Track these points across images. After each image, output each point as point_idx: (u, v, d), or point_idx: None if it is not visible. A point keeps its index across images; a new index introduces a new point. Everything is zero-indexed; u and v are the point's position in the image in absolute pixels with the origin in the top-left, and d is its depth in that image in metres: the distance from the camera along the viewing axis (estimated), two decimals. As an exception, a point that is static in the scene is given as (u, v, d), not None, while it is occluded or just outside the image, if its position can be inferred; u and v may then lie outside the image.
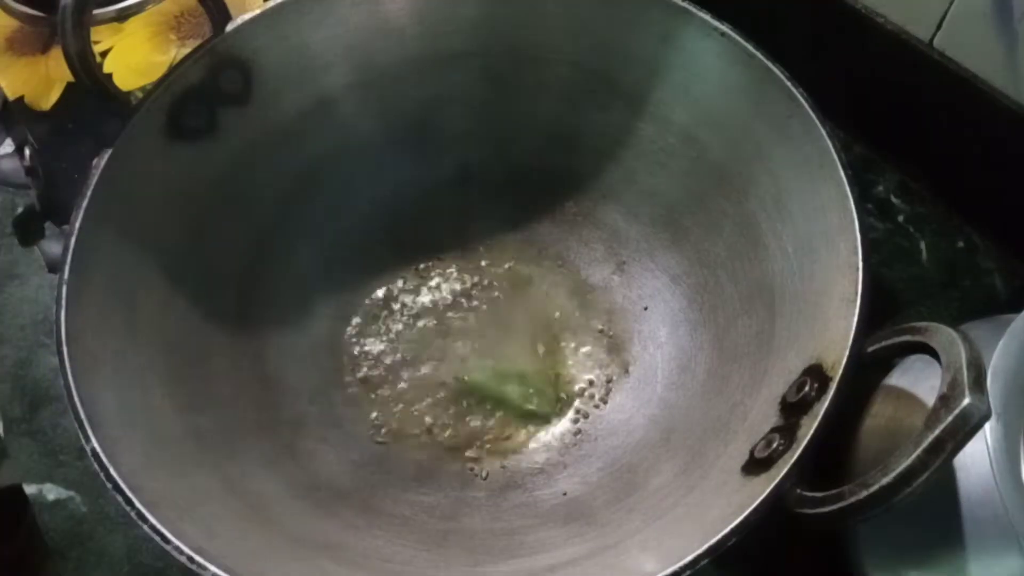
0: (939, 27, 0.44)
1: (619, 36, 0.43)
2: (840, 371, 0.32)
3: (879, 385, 0.37)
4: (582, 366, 0.45)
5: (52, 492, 0.44)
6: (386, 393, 0.44)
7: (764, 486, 0.30)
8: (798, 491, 0.30)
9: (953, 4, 0.42)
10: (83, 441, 0.33)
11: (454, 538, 0.39)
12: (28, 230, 0.49)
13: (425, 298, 0.47)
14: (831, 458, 0.36)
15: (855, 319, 0.33)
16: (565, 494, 0.41)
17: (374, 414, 0.44)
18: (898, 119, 0.50)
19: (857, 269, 0.34)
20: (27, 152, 0.49)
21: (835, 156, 0.36)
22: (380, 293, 0.47)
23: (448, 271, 0.48)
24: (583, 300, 0.47)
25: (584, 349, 0.45)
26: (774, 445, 0.32)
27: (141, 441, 0.35)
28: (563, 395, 0.44)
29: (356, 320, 0.47)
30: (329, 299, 0.47)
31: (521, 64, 0.45)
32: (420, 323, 0.46)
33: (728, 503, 0.32)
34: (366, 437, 0.43)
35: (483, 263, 0.48)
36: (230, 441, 0.39)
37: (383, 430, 0.44)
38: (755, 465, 0.33)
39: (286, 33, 0.43)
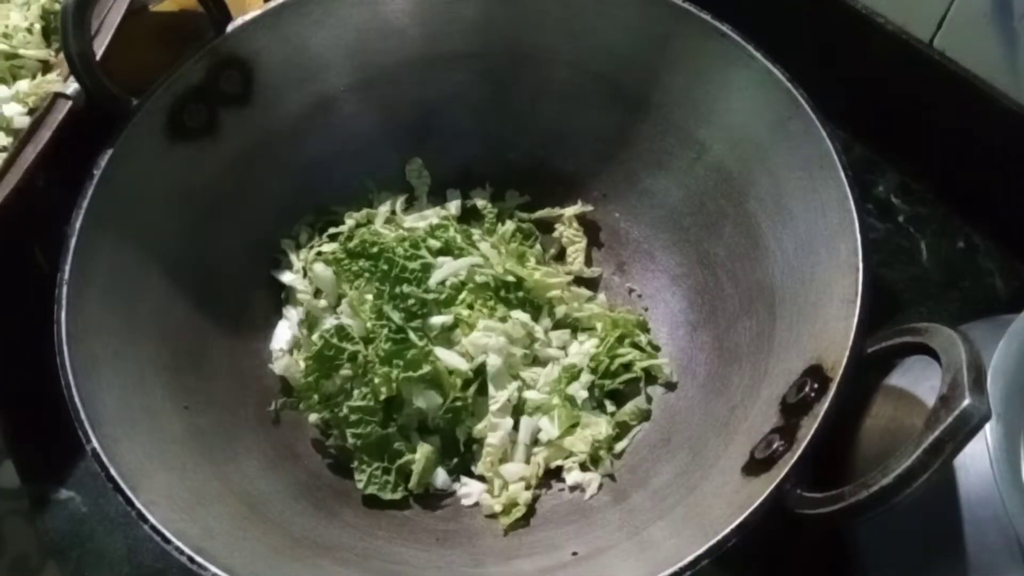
0: (939, 27, 0.44)
1: (619, 37, 0.43)
2: (840, 372, 0.32)
3: (879, 385, 0.37)
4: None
5: (52, 492, 0.44)
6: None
7: (764, 487, 0.30)
8: (798, 491, 0.30)
9: (953, 4, 0.42)
10: (83, 441, 0.33)
11: (454, 538, 0.39)
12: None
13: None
14: (831, 458, 0.36)
15: (855, 319, 0.33)
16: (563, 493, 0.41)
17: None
18: (898, 119, 0.50)
19: (857, 269, 0.34)
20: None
21: (835, 157, 0.36)
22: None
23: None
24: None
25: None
26: (774, 446, 0.32)
27: (141, 441, 0.35)
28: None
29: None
30: (329, 299, 0.47)
31: (521, 64, 0.45)
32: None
33: (728, 504, 0.32)
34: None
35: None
36: (230, 441, 0.39)
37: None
38: (755, 466, 0.33)
39: (286, 33, 0.43)
